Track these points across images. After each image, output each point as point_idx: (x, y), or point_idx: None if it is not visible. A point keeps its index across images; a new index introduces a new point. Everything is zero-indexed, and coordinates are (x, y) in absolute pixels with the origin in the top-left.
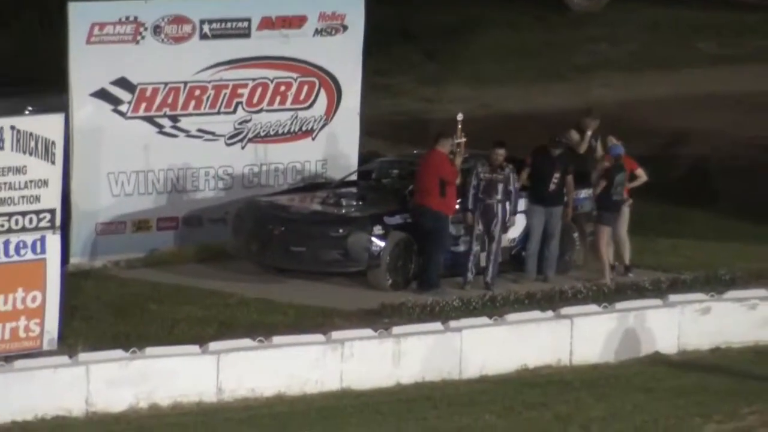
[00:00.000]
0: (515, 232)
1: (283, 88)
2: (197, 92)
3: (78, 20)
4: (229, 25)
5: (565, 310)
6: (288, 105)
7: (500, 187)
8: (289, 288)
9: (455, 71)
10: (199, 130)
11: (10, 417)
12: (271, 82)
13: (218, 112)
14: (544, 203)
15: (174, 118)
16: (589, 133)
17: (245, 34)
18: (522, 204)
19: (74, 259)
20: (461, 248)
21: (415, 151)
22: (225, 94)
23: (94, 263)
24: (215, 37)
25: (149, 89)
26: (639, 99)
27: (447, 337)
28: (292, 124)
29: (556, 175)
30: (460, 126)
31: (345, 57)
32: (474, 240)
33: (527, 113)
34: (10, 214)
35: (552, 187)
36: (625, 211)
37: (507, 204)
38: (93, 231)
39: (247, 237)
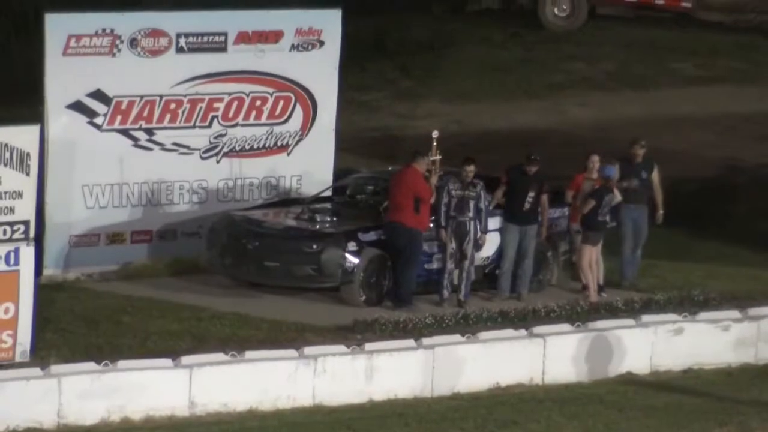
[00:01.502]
0: (489, 250)
1: (258, 102)
2: (173, 106)
3: (54, 31)
4: (205, 39)
5: (538, 329)
6: (263, 120)
7: (472, 204)
8: (262, 303)
9: (430, 87)
10: (175, 144)
11: None
12: (247, 96)
13: (194, 126)
14: (518, 221)
15: (149, 131)
16: (639, 161)
17: (222, 48)
18: (497, 222)
19: (48, 271)
20: (435, 266)
21: (389, 168)
22: (201, 107)
23: (67, 275)
24: (191, 50)
25: (125, 102)
26: (614, 118)
27: (419, 354)
28: (267, 138)
29: (531, 193)
30: (435, 143)
31: (321, 72)
32: (448, 257)
33: (502, 130)
34: None
35: (527, 205)
36: None
37: (479, 221)
38: (67, 243)
39: (221, 251)
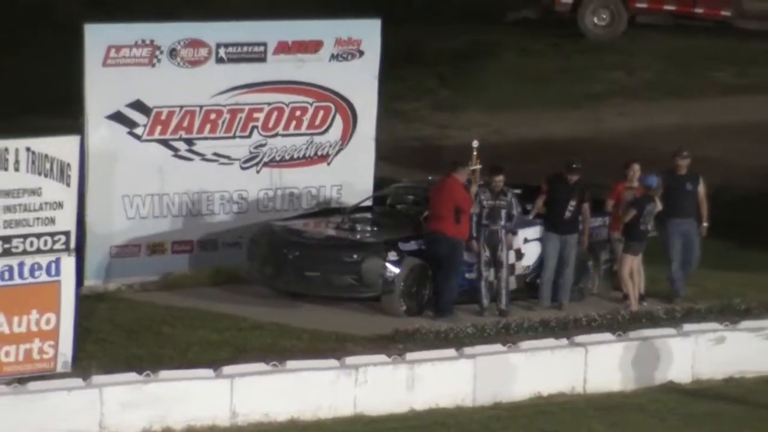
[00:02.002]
0: (530, 259)
1: (298, 112)
2: (213, 116)
3: (94, 42)
4: (245, 49)
5: (580, 338)
6: (303, 130)
7: (503, 212)
8: (303, 313)
9: (469, 97)
10: (215, 154)
11: None
12: (287, 106)
13: (234, 136)
14: (559, 230)
15: (189, 142)
16: (683, 173)
17: (261, 58)
18: (537, 231)
19: (89, 282)
20: (475, 275)
21: (429, 177)
22: (240, 118)
23: (108, 286)
24: (231, 61)
25: (165, 112)
26: (652, 127)
27: (461, 364)
28: (307, 148)
29: (572, 202)
30: (475, 153)
31: (361, 82)
32: (482, 266)
33: (541, 140)
34: (25, 236)
35: (567, 214)
36: None
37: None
38: (108, 253)
39: (261, 261)
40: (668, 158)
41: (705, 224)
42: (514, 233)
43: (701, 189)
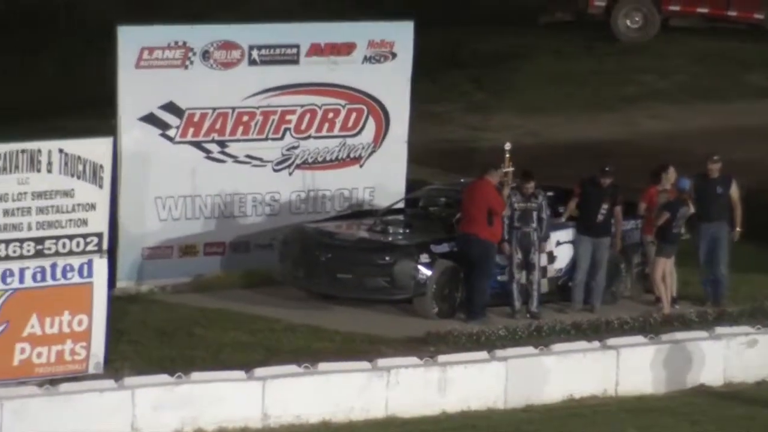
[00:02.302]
0: (562, 262)
1: (331, 114)
2: (245, 118)
3: (127, 44)
4: (277, 51)
5: (612, 341)
6: (336, 132)
7: (535, 215)
8: (335, 315)
9: (503, 99)
10: (247, 156)
11: None
12: (320, 108)
13: (266, 138)
14: (591, 233)
15: (222, 144)
16: (715, 176)
17: (294, 60)
18: (570, 234)
19: (121, 283)
20: (507, 277)
21: (462, 180)
22: (273, 120)
23: (140, 287)
24: (264, 63)
25: (197, 114)
26: (686, 130)
27: (493, 366)
28: (339, 150)
29: (605, 205)
30: (508, 156)
31: (393, 84)
32: (514, 268)
33: (574, 143)
34: (58, 238)
35: (600, 217)
36: None
37: (541, 231)
38: (140, 255)
39: (293, 263)
40: (701, 161)
41: (738, 229)
42: (547, 237)
43: (734, 192)
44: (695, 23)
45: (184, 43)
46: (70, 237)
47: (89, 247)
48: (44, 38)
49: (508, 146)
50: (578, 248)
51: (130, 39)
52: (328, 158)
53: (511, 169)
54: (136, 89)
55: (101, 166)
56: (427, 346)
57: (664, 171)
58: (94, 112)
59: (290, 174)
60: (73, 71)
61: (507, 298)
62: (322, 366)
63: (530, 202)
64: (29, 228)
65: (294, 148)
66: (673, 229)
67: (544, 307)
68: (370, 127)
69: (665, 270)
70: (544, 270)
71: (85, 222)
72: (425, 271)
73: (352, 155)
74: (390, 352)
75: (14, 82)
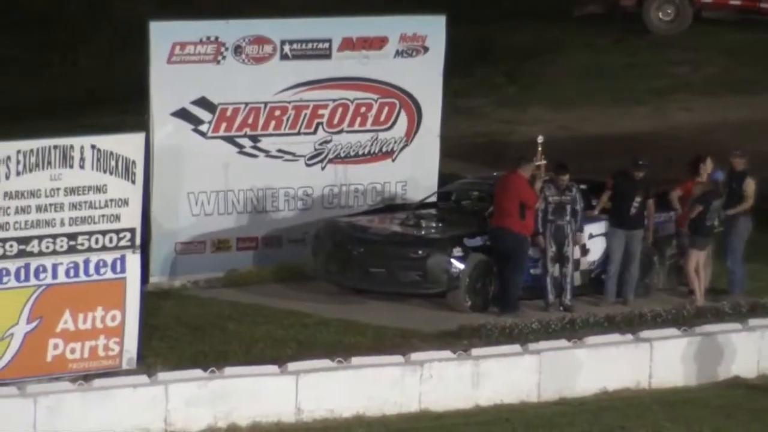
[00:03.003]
0: (595, 255)
1: (363, 109)
2: (277, 112)
3: (159, 40)
4: (309, 45)
5: (645, 334)
6: (368, 126)
7: (569, 208)
8: (367, 309)
9: (535, 93)
10: (279, 151)
11: None
12: (352, 103)
13: (298, 133)
14: (625, 226)
15: (254, 138)
16: (737, 170)
17: (326, 54)
18: (603, 227)
19: (154, 279)
20: (540, 271)
21: (494, 173)
22: (305, 114)
23: (173, 283)
24: (296, 57)
25: (230, 109)
26: (718, 123)
27: (526, 360)
28: (372, 145)
29: (638, 198)
30: (540, 149)
31: (425, 78)
32: (548, 261)
33: (606, 136)
34: (91, 233)
35: (633, 210)
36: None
37: (575, 223)
38: (172, 250)
39: (326, 257)
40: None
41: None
42: (581, 230)
43: (747, 186)
44: (727, 16)
45: (216, 39)
46: (103, 233)
47: (122, 243)
48: (82, 34)
49: (540, 139)
50: (611, 241)
51: (162, 34)
52: (360, 152)
53: (543, 162)
54: (168, 84)
55: (134, 162)
56: (460, 340)
57: (702, 162)
58: (129, 107)
59: (323, 168)
60: (108, 67)
61: (540, 292)
62: (355, 360)
63: (564, 195)
64: (62, 224)
65: (326, 142)
66: (706, 222)
67: (577, 300)
68: (402, 121)
69: (698, 262)
70: (576, 263)
71: (117, 218)
72: (458, 265)
73: (384, 149)
74: (423, 346)
75: (52, 77)
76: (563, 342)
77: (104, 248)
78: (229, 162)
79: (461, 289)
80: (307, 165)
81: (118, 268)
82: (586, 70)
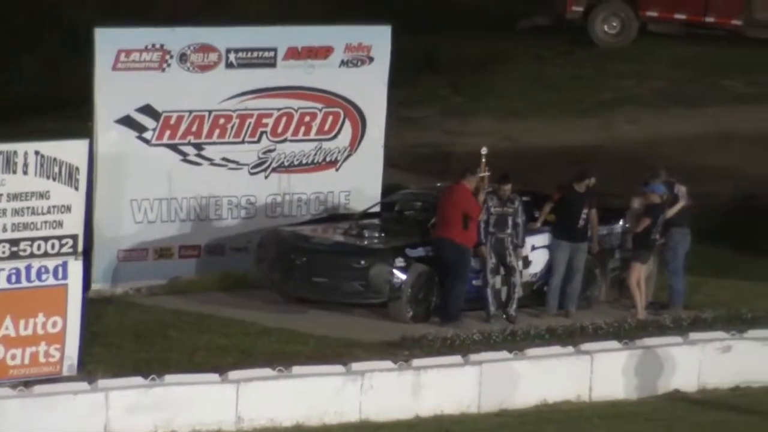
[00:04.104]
0: (537, 266)
1: (307, 118)
2: (222, 121)
3: (104, 46)
4: (255, 54)
5: (586, 346)
6: (312, 135)
7: (510, 220)
8: (310, 318)
9: (481, 104)
10: (223, 159)
11: None
12: (296, 112)
13: (242, 141)
14: (571, 238)
15: (198, 147)
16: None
17: (271, 63)
18: (545, 238)
19: (96, 286)
20: (482, 282)
21: (438, 184)
22: (250, 123)
23: (115, 290)
24: (241, 66)
25: (174, 117)
26: (664, 135)
27: (467, 371)
28: (316, 154)
29: (585, 210)
30: (484, 160)
31: (370, 88)
32: (489, 273)
33: (552, 148)
34: (33, 239)
35: (581, 222)
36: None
37: (516, 236)
38: (115, 257)
39: (269, 266)
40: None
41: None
42: (522, 245)
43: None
44: (673, 29)
45: (162, 46)
46: (45, 239)
47: (64, 249)
48: (27, 40)
49: (484, 151)
50: (556, 253)
51: (107, 41)
52: (304, 162)
53: (487, 173)
54: (113, 91)
55: (77, 168)
56: (401, 350)
57: (655, 175)
58: (74, 114)
59: (266, 177)
60: (54, 73)
61: (482, 303)
62: (297, 369)
63: (506, 206)
64: (4, 230)
65: (270, 151)
66: (651, 235)
67: (518, 312)
68: (347, 130)
69: (641, 275)
70: (519, 274)
71: (60, 224)
72: (400, 275)
73: (328, 159)
74: (364, 356)
75: None
76: (504, 353)
77: (46, 254)
78: (172, 170)
79: (403, 300)
80: (251, 174)
81: (60, 275)
82: (532, 82)
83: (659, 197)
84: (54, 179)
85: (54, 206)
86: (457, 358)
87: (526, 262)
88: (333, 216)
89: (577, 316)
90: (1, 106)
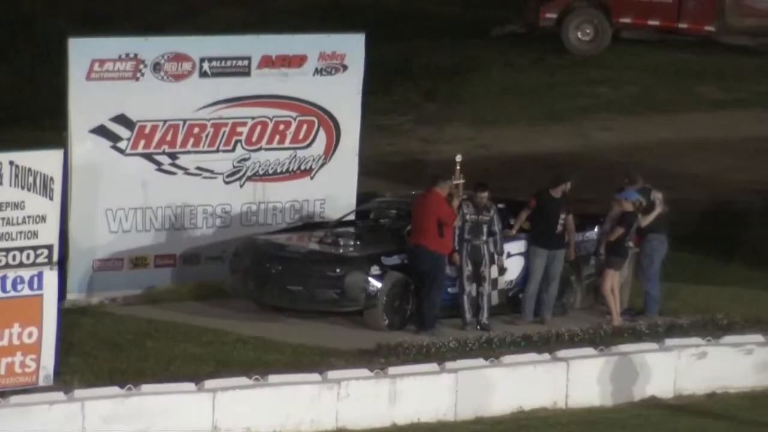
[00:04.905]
0: (513, 273)
1: (282, 126)
2: (196, 130)
3: (78, 56)
4: (229, 63)
5: (562, 353)
6: (287, 144)
7: (485, 228)
8: (286, 327)
9: (455, 112)
10: (198, 168)
11: None
12: (271, 120)
13: (217, 150)
14: (548, 245)
15: (173, 156)
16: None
17: (245, 72)
18: (521, 245)
19: (71, 296)
20: (458, 289)
21: (413, 192)
22: (224, 132)
23: (91, 300)
24: (215, 75)
25: (148, 126)
26: (638, 142)
27: (443, 378)
28: (290, 162)
29: (563, 216)
30: (458, 167)
31: (344, 96)
32: (465, 281)
33: (526, 155)
34: (8, 250)
35: (559, 228)
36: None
37: (493, 244)
38: (90, 267)
39: (244, 275)
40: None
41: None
42: (501, 252)
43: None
44: (646, 35)
45: (135, 55)
46: (21, 249)
47: (39, 260)
48: (2, 51)
49: (458, 158)
50: (533, 260)
51: (81, 51)
52: (279, 170)
53: (461, 180)
54: (87, 101)
55: (52, 178)
56: (377, 358)
57: (632, 183)
58: (49, 124)
59: (241, 186)
60: (28, 84)
61: (458, 311)
62: (273, 378)
63: (482, 214)
64: None
65: (245, 160)
66: (625, 243)
67: (494, 319)
68: (321, 139)
69: (615, 282)
70: (494, 282)
71: (35, 234)
72: (376, 283)
73: (303, 167)
74: (340, 364)
75: None
76: (480, 361)
77: (21, 265)
78: (147, 179)
79: (379, 308)
80: (226, 182)
81: (36, 285)
82: (506, 89)
83: (632, 204)
84: (29, 189)
85: (29, 216)
86: (433, 366)
87: (502, 270)
88: (308, 224)
89: (553, 323)
90: None
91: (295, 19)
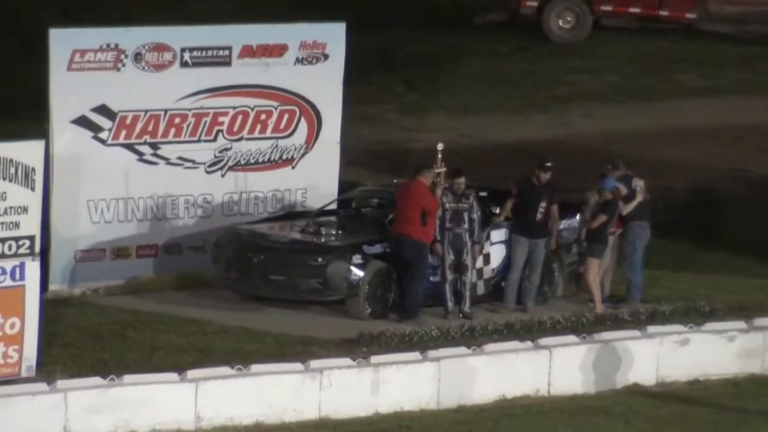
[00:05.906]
0: (494, 262)
1: (263, 116)
2: (177, 120)
3: (59, 47)
4: (209, 53)
5: (544, 341)
6: (268, 133)
7: (466, 215)
8: (268, 316)
9: (436, 101)
10: (180, 158)
11: None
12: (252, 110)
13: (198, 140)
14: (530, 234)
15: (154, 146)
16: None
17: (226, 62)
18: (503, 234)
19: (53, 286)
20: (440, 278)
21: (395, 181)
22: (205, 121)
23: (73, 290)
24: (196, 65)
25: (130, 116)
26: (620, 130)
27: (425, 367)
28: (272, 152)
29: (543, 203)
30: (440, 156)
31: (326, 86)
32: (447, 269)
33: (508, 143)
34: None
35: (539, 216)
36: (611, 241)
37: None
38: (72, 258)
39: (226, 265)
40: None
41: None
42: (482, 240)
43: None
44: (627, 23)
45: (116, 46)
46: (2, 240)
47: (21, 250)
48: None
49: (440, 147)
50: (515, 249)
51: (62, 42)
52: (260, 160)
53: (443, 169)
54: (68, 92)
55: (33, 169)
56: (359, 347)
57: (614, 168)
58: (31, 116)
59: (223, 176)
60: (10, 75)
61: (440, 299)
62: (255, 368)
63: (461, 202)
64: None
65: (226, 149)
66: (607, 231)
67: (476, 308)
68: (303, 128)
69: (596, 270)
70: (480, 271)
71: (17, 225)
72: (358, 272)
73: (284, 157)
74: (323, 354)
75: None
76: (463, 349)
77: (3, 256)
78: (128, 169)
79: (361, 297)
80: (207, 172)
81: (18, 276)
82: (488, 78)
83: (610, 193)
84: (10, 180)
85: (11, 207)
86: (415, 355)
87: (487, 259)
88: (290, 214)
89: (535, 311)
90: None
91: (275, 8)
